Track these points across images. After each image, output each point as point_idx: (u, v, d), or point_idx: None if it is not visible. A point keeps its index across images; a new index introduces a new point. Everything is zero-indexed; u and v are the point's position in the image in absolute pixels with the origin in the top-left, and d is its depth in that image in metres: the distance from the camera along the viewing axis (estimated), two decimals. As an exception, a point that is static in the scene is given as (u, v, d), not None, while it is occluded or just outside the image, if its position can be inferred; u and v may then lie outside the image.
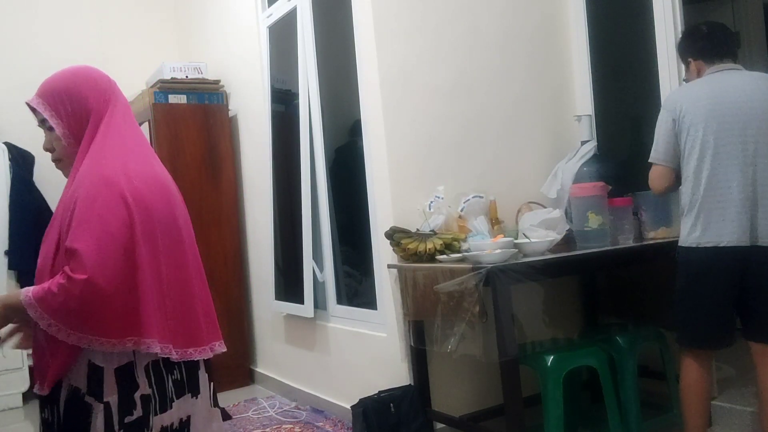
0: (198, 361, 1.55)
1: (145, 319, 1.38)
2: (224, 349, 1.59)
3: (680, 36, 2.64)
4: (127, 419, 1.41)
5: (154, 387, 1.46)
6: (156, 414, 1.46)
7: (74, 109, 1.50)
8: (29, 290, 1.38)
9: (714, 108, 2.27)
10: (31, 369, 4.31)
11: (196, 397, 1.56)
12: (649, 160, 2.42)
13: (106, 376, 1.40)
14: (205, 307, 1.57)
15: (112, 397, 1.40)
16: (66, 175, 1.56)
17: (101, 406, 1.39)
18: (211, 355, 1.56)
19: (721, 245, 2.24)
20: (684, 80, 2.58)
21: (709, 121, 2.26)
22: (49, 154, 1.61)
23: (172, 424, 1.50)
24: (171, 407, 1.49)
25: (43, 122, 1.53)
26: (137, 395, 1.42)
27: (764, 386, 2.30)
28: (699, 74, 2.44)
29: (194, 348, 1.51)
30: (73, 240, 1.34)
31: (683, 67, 2.63)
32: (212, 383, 1.65)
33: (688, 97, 2.33)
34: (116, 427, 1.39)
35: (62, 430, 1.42)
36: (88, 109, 1.51)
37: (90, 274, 1.31)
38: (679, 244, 2.38)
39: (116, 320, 1.35)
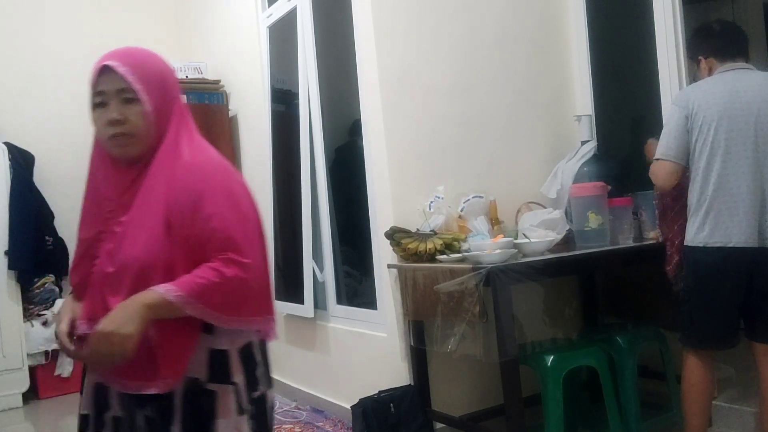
0: None
1: (271, 298, 1.49)
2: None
3: (691, 34, 2.60)
4: (254, 394, 1.45)
5: (265, 364, 1.51)
6: (269, 387, 1.51)
7: (162, 90, 1.44)
8: (169, 287, 1.31)
9: (727, 107, 2.25)
10: (31, 369, 4.31)
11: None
12: (657, 156, 2.37)
13: (231, 359, 1.42)
14: None
15: (239, 377, 1.42)
16: (125, 153, 1.42)
17: (230, 387, 1.41)
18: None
19: (730, 246, 2.22)
20: (694, 79, 2.55)
21: (721, 121, 2.24)
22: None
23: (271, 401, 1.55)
24: (272, 385, 1.55)
25: (120, 92, 1.39)
26: (258, 372, 1.47)
27: (766, 386, 2.30)
28: (710, 72, 2.41)
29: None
30: (226, 228, 1.35)
31: (684, 67, 2.63)
32: None
33: (701, 95, 2.30)
34: (246, 405, 1.43)
35: (185, 422, 1.39)
36: (173, 96, 1.47)
37: (252, 259, 1.35)
38: (686, 243, 2.35)
39: (266, 300, 1.44)
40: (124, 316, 1.29)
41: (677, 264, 2.47)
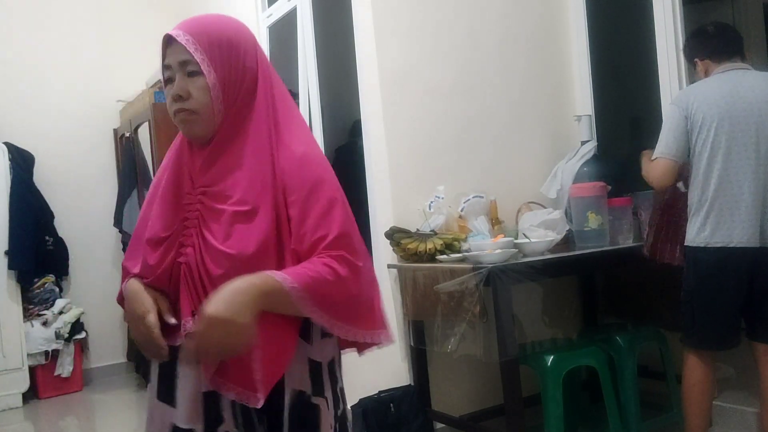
0: None
1: (382, 311, 1.32)
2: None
3: (687, 37, 2.61)
4: (337, 412, 1.35)
5: (341, 381, 1.38)
6: (346, 406, 1.40)
7: (230, 59, 1.26)
8: (285, 276, 1.15)
9: (728, 108, 2.25)
10: (31, 369, 4.31)
11: None
12: (655, 155, 2.36)
13: (324, 372, 1.31)
14: None
15: (328, 392, 1.31)
16: (191, 131, 1.29)
17: (324, 401, 1.30)
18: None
19: (731, 246, 2.22)
20: (693, 81, 2.56)
21: (722, 121, 2.25)
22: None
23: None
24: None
25: (183, 64, 1.24)
26: (339, 388, 1.36)
27: (767, 386, 2.30)
28: (707, 74, 2.41)
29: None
30: (343, 224, 1.23)
31: (684, 67, 2.63)
32: None
33: (701, 95, 2.31)
34: (333, 422, 1.32)
35: None
36: (247, 66, 1.28)
37: (364, 261, 1.24)
38: (687, 243, 2.35)
39: (375, 311, 1.29)
40: (240, 302, 1.11)
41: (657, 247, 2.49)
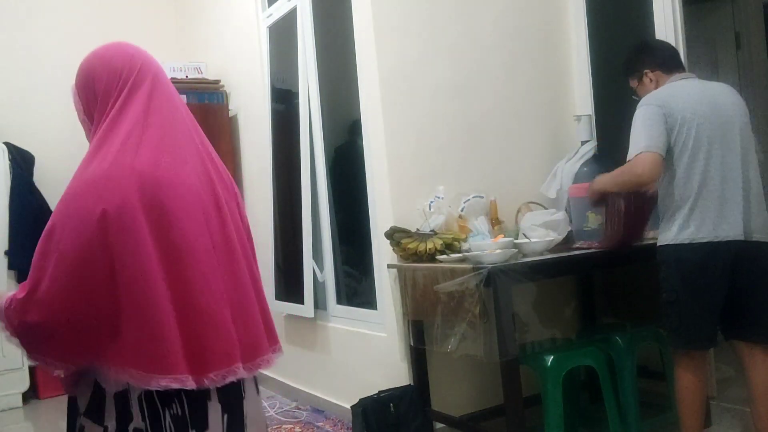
0: (207, 390, 1.30)
1: (107, 343, 1.25)
2: (245, 374, 1.35)
3: (628, 55, 2.62)
4: None
5: (148, 421, 1.27)
6: None
7: (87, 91, 1.36)
8: (7, 294, 1.28)
9: (706, 110, 2.30)
10: (31, 369, 4.31)
11: None
12: (639, 150, 2.28)
13: (107, 400, 1.28)
14: (246, 318, 1.38)
15: (111, 423, 1.27)
16: None
17: (101, 429, 1.28)
18: (225, 382, 1.30)
19: (717, 240, 2.23)
20: (634, 97, 2.56)
21: (701, 120, 2.28)
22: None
23: None
24: None
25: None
26: (131, 427, 1.27)
27: (756, 386, 2.31)
28: (657, 85, 2.46)
29: (225, 369, 1.29)
30: (35, 262, 1.26)
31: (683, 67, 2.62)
32: (239, 413, 1.39)
33: (678, 97, 2.33)
34: None
35: None
36: (96, 91, 1.34)
37: (47, 297, 1.23)
38: (668, 242, 2.32)
39: (69, 342, 1.27)
40: None
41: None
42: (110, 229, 1.22)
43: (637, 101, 2.43)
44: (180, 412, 1.29)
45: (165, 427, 1.28)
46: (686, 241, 2.28)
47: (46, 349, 1.29)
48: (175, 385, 1.23)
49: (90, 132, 1.36)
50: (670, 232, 2.32)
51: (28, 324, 1.24)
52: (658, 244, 2.37)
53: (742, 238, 2.24)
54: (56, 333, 1.24)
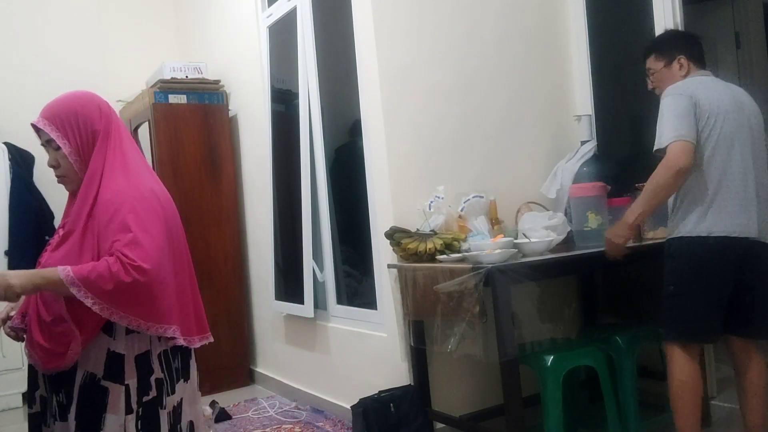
0: (191, 350, 1.79)
1: (173, 308, 1.63)
2: (212, 340, 1.85)
3: (670, 34, 2.63)
4: (144, 398, 1.65)
5: (165, 372, 1.70)
6: (168, 395, 1.71)
7: (81, 130, 1.67)
8: (68, 269, 1.52)
9: (731, 105, 2.31)
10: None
11: (187, 382, 1.79)
12: (672, 139, 2.23)
13: (126, 363, 1.63)
14: (197, 302, 1.82)
15: (131, 380, 1.63)
16: (69, 189, 1.75)
17: (122, 387, 1.62)
18: (205, 343, 1.82)
19: (733, 235, 2.23)
20: (648, 79, 2.55)
21: (726, 116, 2.28)
22: (47, 155, 1.72)
23: (173, 406, 1.73)
24: (175, 391, 1.73)
25: (48, 142, 1.68)
26: (152, 378, 1.67)
27: (749, 382, 2.33)
28: (685, 74, 2.45)
29: (198, 336, 1.77)
30: (135, 232, 1.55)
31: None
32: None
33: (705, 90, 2.32)
34: (134, 406, 1.63)
35: (79, 411, 1.61)
36: (95, 131, 1.68)
37: (152, 264, 1.53)
38: (679, 234, 2.31)
39: (161, 306, 1.59)
40: (19, 273, 1.55)
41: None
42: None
43: (647, 85, 2.45)
44: (179, 366, 1.76)
45: (174, 375, 1.73)
46: (704, 234, 2.26)
47: (139, 310, 1.56)
48: (187, 343, 1.72)
49: (73, 159, 1.67)
50: (686, 224, 2.30)
51: (128, 284, 1.51)
52: (670, 236, 2.36)
53: (755, 236, 2.25)
54: (162, 290, 1.59)
